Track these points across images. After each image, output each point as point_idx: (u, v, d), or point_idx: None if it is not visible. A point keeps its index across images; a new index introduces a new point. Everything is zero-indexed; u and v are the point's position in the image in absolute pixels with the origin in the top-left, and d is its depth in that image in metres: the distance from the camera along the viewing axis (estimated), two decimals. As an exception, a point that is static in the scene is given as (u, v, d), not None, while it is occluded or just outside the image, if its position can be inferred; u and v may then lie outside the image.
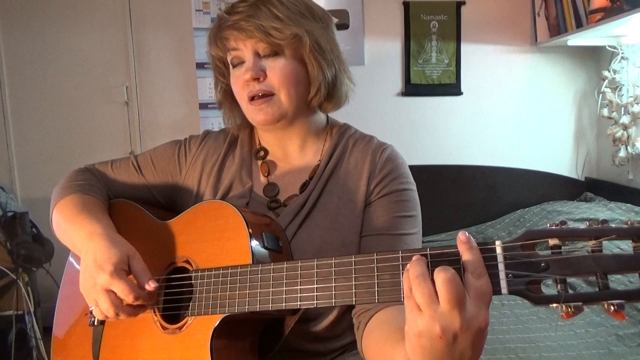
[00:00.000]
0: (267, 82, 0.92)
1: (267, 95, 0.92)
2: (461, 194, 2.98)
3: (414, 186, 0.98)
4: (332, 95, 0.98)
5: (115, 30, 2.80)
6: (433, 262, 0.60)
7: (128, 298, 0.79)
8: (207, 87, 2.84)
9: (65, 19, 2.76)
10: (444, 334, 0.57)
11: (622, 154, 2.61)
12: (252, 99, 0.93)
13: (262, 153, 1.03)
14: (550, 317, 1.99)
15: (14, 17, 2.73)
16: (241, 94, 0.95)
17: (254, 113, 0.94)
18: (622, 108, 2.62)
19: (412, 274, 0.59)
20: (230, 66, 0.96)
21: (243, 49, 0.93)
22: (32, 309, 2.14)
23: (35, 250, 2.12)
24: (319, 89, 0.96)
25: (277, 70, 0.92)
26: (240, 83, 0.94)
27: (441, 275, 0.57)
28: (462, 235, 0.60)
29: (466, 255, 0.59)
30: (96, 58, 2.81)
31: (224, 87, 1.02)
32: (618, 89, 2.65)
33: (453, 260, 0.59)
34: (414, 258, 0.61)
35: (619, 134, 2.60)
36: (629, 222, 0.51)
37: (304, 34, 0.92)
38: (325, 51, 0.95)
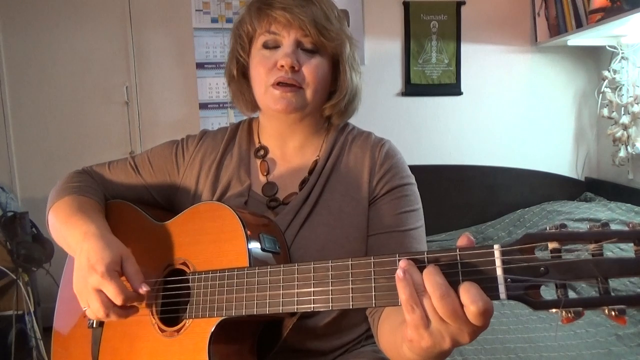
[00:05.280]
0: (299, 74, 0.92)
1: (296, 86, 0.92)
2: (461, 194, 2.97)
3: (413, 179, 0.99)
4: (349, 106, 1.01)
5: (115, 30, 2.79)
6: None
7: (117, 300, 0.78)
8: (207, 87, 2.84)
9: (65, 19, 2.76)
10: (452, 344, 0.58)
11: (622, 154, 2.60)
12: (278, 84, 0.92)
13: (262, 152, 1.03)
14: (550, 317, 1.98)
15: (14, 17, 2.73)
16: (265, 77, 0.93)
17: (275, 99, 0.93)
18: (622, 108, 2.62)
19: (431, 284, 0.58)
20: (260, 46, 0.95)
21: (285, 36, 0.92)
22: (32, 309, 2.13)
23: (35, 250, 2.11)
24: (343, 97, 0.98)
25: (312, 66, 0.93)
26: (268, 65, 0.92)
27: (472, 292, 0.55)
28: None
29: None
30: (96, 58, 2.80)
31: (242, 62, 1.00)
32: (618, 89, 2.65)
33: (451, 264, 0.58)
34: (431, 276, 0.58)
35: (619, 134, 2.59)
36: (630, 225, 0.50)
37: (347, 41, 0.96)
38: (356, 62, 1.00)
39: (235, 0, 2.81)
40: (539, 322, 1.98)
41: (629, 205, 2.50)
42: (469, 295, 0.55)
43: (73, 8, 2.76)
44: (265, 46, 0.94)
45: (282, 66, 0.91)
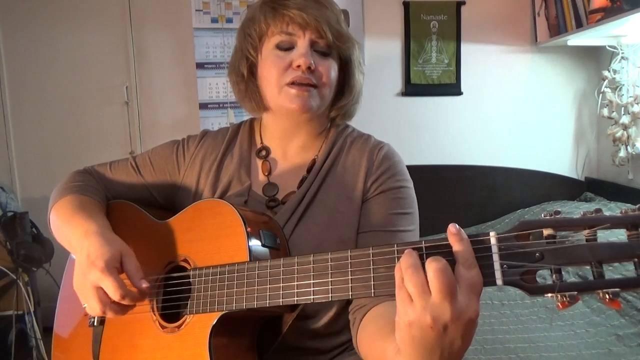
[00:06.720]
0: (315, 74, 0.93)
1: (311, 85, 0.93)
2: (461, 194, 2.97)
3: (410, 184, 0.98)
4: (353, 107, 1.04)
5: (115, 30, 2.80)
6: (427, 254, 0.60)
7: (115, 296, 0.79)
8: (207, 87, 2.85)
9: (65, 19, 2.77)
10: (435, 324, 0.57)
11: (622, 154, 2.61)
12: (293, 83, 0.92)
13: (264, 152, 1.04)
14: (550, 317, 1.98)
15: (14, 17, 2.73)
16: (278, 77, 0.93)
17: (291, 97, 0.93)
18: (622, 108, 2.62)
19: (404, 265, 0.59)
20: (273, 47, 0.95)
21: (301, 36, 0.93)
22: (32, 309, 2.13)
23: (35, 250, 2.12)
24: (352, 98, 1.01)
25: (326, 67, 0.94)
26: (283, 66, 0.93)
27: (433, 266, 0.57)
28: (452, 227, 0.59)
29: (457, 246, 0.59)
30: (96, 58, 2.81)
31: (252, 60, 0.99)
32: (618, 89, 2.65)
33: (447, 252, 0.59)
34: (406, 250, 0.61)
35: (619, 134, 2.59)
36: (623, 211, 0.51)
37: (355, 44, 1.00)
38: (360, 64, 1.03)
39: (235, 0, 2.81)
40: (539, 322, 1.98)
41: (629, 205, 2.44)
42: (432, 268, 0.57)
43: (73, 8, 2.76)
44: (279, 47, 0.94)
45: (299, 66, 0.91)
